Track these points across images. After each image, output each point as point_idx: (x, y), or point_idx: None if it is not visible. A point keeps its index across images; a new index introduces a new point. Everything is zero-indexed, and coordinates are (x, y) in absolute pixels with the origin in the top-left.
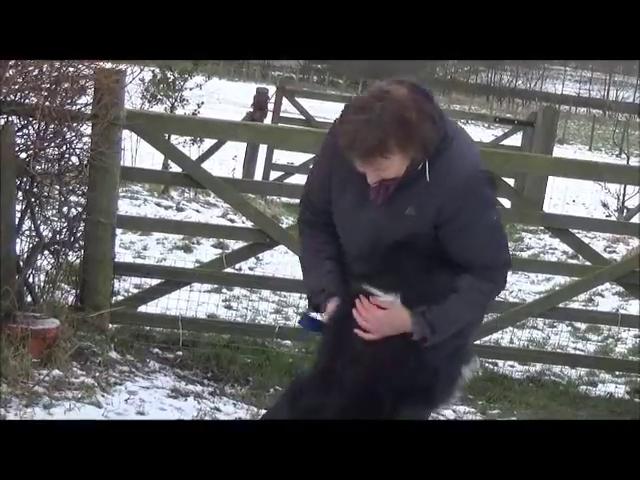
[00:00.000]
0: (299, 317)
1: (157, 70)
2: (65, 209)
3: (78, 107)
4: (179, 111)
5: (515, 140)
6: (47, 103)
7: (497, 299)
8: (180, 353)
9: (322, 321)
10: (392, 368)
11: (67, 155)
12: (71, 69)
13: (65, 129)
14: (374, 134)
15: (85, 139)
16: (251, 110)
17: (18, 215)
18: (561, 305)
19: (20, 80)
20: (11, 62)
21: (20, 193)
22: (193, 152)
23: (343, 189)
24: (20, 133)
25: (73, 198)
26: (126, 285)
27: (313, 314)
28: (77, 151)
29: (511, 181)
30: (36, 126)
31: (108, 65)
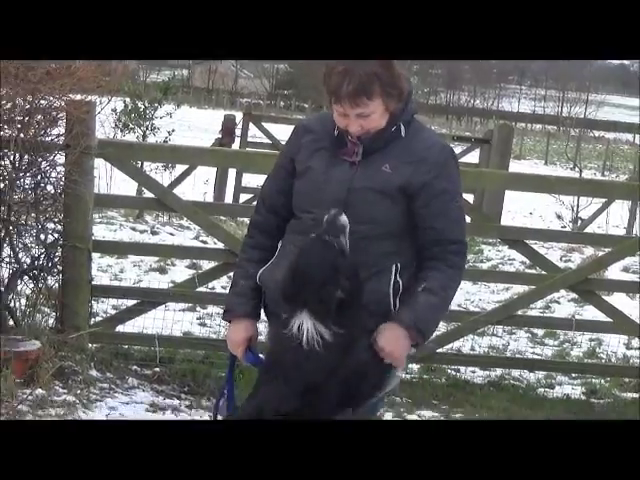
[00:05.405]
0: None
1: (128, 100)
2: (42, 236)
3: (51, 138)
4: (151, 139)
5: (473, 157)
6: (21, 135)
7: (459, 309)
8: (157, 369)
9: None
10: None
11: (42, 184)
12: (43, 102)
13: (39, 159)
14: (362, 73)
15: (59, 168)
16: (220, 136)
17: None
18: (519, 312)
19: None
20: None
21: None
22: (165, 178)
23: (311, 158)
24: None
25: (50, 225)
26: (104, 306)
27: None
28: (52, 180)
29: (470, 197)
30: (11, 157)
31: (78, 97)
